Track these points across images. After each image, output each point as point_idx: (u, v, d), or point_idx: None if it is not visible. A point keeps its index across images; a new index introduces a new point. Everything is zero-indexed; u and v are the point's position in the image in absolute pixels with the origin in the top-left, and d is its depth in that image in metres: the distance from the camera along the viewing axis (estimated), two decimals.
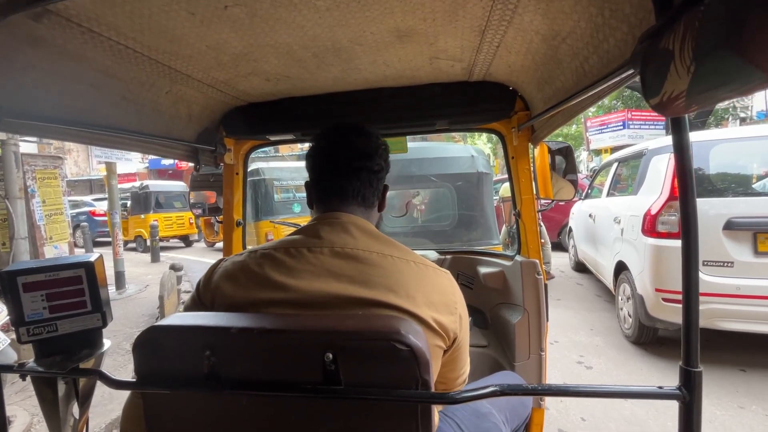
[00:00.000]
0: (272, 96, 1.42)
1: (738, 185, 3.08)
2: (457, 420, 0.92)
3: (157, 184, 12.03)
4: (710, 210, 2.92)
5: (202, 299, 0.79)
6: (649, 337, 3.40)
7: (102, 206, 12.40)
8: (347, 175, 0.86)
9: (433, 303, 0.73)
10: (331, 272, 0.73)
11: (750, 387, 2.74)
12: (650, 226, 3.13)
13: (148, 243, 10.19)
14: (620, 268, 3.73)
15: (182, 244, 12.15)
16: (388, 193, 0.95)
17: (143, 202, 11.12)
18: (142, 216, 10.96)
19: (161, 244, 9.77)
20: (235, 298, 0.74)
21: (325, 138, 0.91)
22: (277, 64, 1.11)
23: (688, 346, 0.64)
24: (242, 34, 0.90)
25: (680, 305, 0.62)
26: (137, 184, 11.93)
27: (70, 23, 0.77)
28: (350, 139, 0.88)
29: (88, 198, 13.72)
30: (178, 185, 12.38)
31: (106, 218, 11.56)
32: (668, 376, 2.94)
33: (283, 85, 1.29)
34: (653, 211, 3.13)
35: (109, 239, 8.80)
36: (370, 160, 0.87)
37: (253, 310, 0.72)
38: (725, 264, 2.86)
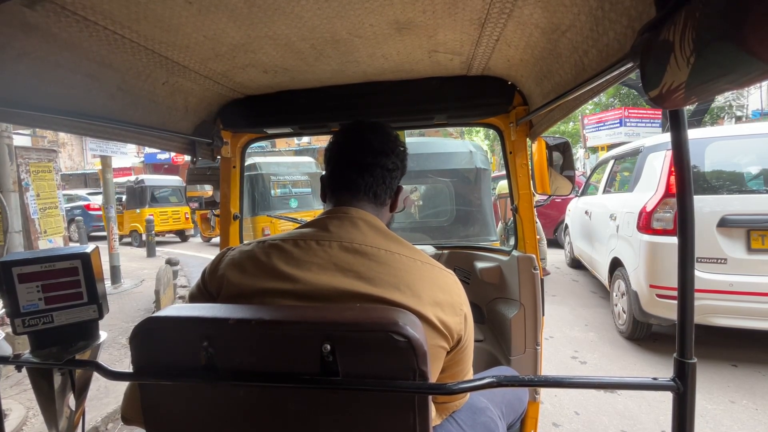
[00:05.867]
0: (270, 89, 1.41)
1: (732, 183, 3.10)
2: (453, 415, 0.92)
3: (152, 179, 11.94)
4: (705, 207, 2.95)
5: (207, 287, 0.80)
6: (643, 333, 3.43)
7: (97, 200, 12.34)
8: (360, 171, 0.86)
9: (439, 303, 0.73)
10: (338, 266, 0.73)
11: (741, 382, 2.78)
12: (645, 223, 3.15)
13: (144, 238, 10.13)
14: (615, 264, 3.76)
15: (178, 239, 12.10)
16: None
17: (139, 196, 11.03)
18: (138, 210, 10.89)
19: (157, 239, 9.72)
20: (242, 287, 0.74)
21: (344, 133, 0.92)
22: (275, 56, 1.10)
23: (683, 338, 0.64)
24: (240, 25, 0.89)
25: (674, 301, 0.63)
26: (133, 178, 11.85)
27: (65, 11, 0.76)
28: (367, 136, 0.88)
29: (82, 192, 13.61)
30: (174, 180, 12.30)
31: (100, 212, 11.52)
32: (661, 371, 2.97)
33: (281, 77, 1.28)
34: (649, 208, 3.15)
35: (104, 233, 8.76)
36: (386, 157, 0.87)
37: (259, 300, 0.72)
38: (719, 261, 2.89)
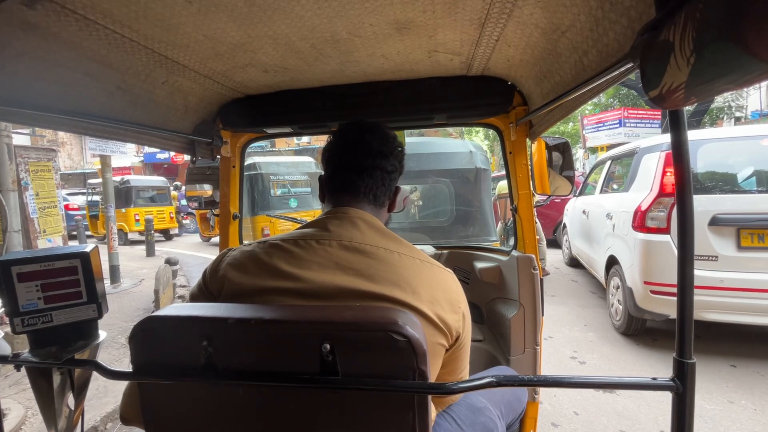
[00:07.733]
0: (270, 88, 1.41)
1: (724, 183, 3.16)
2: (453, 414, 0.93)
3: (138, 179, 12.26)
4: (697, 206, 2.98)
5: (208, 287, 0.80)
6: (637, 328, 3.49)
7: (76, 201, 12.73)
8: (360, 173, 0.87)
9: (438, 300, 0.73)
10: (338, 265, 0.73)
11: (740, 382, 2.78)
12: (640, 221, 3.21)
13: (129, 236, 10.57)
14: (611, 262, 3.80)
15: (163, 238, 12.24)
16: None
17: (124, 196, 11.24)
18: (123, 210, 11.11)
19: (140, 237, 9.83)
20: (243, 286, 0.74)
21: (343, 134, 0.92)
22: (274, 56, 1.10)
23: (682, 338, 0.65)
24: (240, 24, 0.89)
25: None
26: (118, 179, 12.01)
27: (64, 10, 0.76)
28: (367, 137, 0.89)
29: (62, 192, 13.67)
30: (159, 180, 12.65)
31: (79, 212, 11.72)
32: (660, 371, 2.98)
33: (281, 77, 1.28)
34: (643, 207, 3.21)
35: (85, 233, 9.07)
36: (385, 160, 0.88)
37: (260, 298, 0.72)
38: (710, 258, 2.95)
